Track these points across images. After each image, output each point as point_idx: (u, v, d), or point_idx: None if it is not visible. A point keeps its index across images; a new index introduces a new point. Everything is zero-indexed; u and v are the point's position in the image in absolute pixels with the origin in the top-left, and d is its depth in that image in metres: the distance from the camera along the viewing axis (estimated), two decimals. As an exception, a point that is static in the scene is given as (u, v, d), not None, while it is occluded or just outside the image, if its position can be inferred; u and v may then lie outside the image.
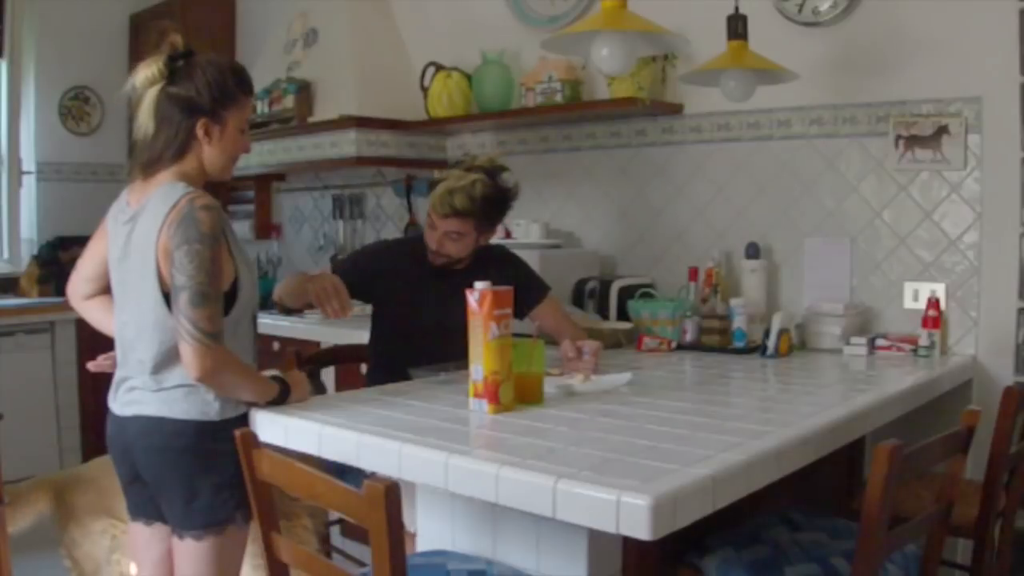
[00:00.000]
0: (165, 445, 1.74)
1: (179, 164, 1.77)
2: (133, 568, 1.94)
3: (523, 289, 2.22)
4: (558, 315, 2.48)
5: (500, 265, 2.48)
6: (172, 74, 1.76)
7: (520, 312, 2.29)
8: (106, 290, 1.95)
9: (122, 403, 1.81)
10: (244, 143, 1.85)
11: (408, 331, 2.40)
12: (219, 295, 1.69)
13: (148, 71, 1.76)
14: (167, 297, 1.70)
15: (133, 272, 1.75)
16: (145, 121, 1.78)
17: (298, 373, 1.94)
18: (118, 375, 1.85)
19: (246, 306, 1.81)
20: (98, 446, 2.47)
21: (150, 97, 1.77)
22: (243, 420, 1.79)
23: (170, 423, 1.74)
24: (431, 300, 2.38)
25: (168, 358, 1.73)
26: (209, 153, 1.79)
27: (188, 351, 1.65)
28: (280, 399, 1.81)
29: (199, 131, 1.76)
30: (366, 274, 2.42)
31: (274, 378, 1.84)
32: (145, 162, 1.78)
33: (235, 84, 1.80)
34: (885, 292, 2.69)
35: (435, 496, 1.76)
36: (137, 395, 1.78)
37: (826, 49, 2.74)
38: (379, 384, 2.13)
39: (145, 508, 1.87)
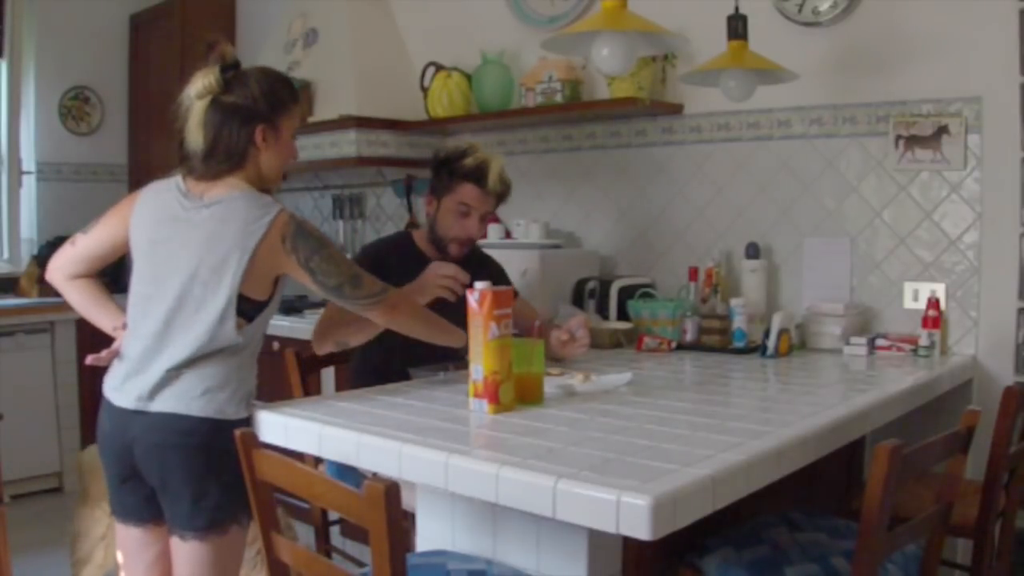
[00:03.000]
0: (177, 442, 1.73)
1: (242, 170, 1.81)
2: (120, 556, 1.92)
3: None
4: (524, 305, 2.49)
5: (481, 262, 2.50)
6: (226, 84, 1.80)
7: None
8: (95, 274, 1.94)
9: (128, 395, 1.77)
10: (294, 149, 1.92)
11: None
12: (360, 270, 1.87)
13: (205, 81, 1.79)
14: (240, 298, 1.73)
15: (200, 264, 1.73)
16: (196, 131, 1.80)
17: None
18: (125, 367, 1.80)
19: (275, 307, 1.85)
20: (98, 446, 2.49)
21: (201, 107, 1.79)
22: (249, 423, 1.79)
23: (185, 420, 1.73)
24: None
25: (203, 356, 1.73)
26: (266, 159, 1.84)
27: (374, 315, 1.90)
28: (463, 353, 1.94)
29: (258, 137, 1.81)
30: (377, 270, 2.37)
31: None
32: (204, 171, 1.80)
33: (286, 92, 1.88)
34: (885, 292, 2.69)
35: (435, 496, 1.77)
36: (150, 389, 1.74)
37: (826, 49, 2.74)
38: (366, 384, 2.13)
39: (137, 510, 1.84)
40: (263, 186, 1.86)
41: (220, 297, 1.72)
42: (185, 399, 1.74)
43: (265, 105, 1.81)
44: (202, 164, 1.80)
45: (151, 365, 1.76)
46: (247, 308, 1.76)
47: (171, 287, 1.76)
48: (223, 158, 1.79)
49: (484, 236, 2.44)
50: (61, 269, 1.93)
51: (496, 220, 3.54)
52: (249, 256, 1.72)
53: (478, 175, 2.31)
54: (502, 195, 2.39)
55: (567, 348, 2.19)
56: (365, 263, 2.33)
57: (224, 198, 1.76)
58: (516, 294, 2.54)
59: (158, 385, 1.75)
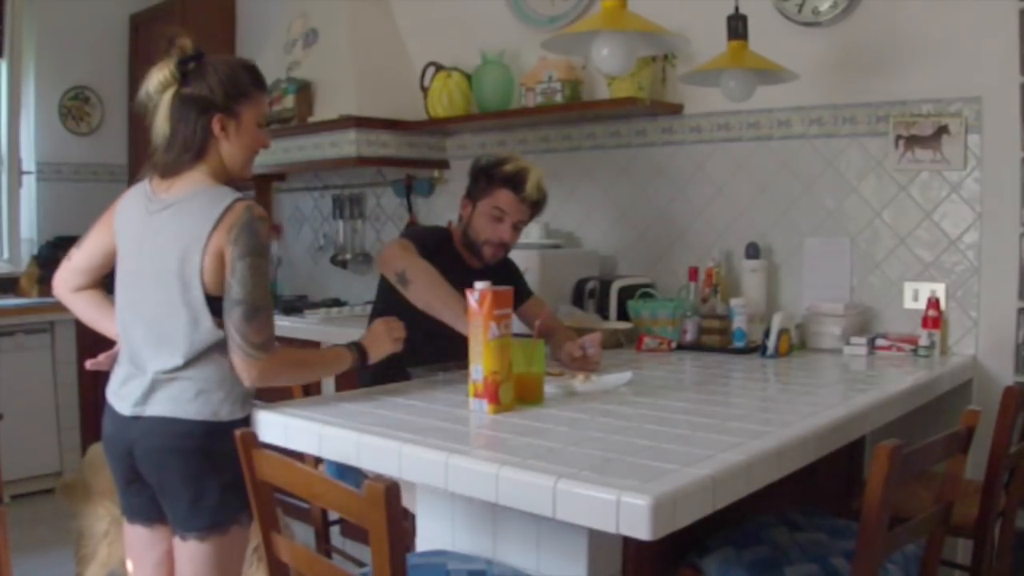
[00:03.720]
0: (173, 446, 1.73)
1: (202, 163, 1.79)
2: (130, 565, 1.93)
3: (518, 288, 2.22)
4: (549, 314, 2.49)
5: (504, 265, 2.52)
6: (184, 76, 1.78)
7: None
8: (96, 285, 1.95)
9: (125, 400, 1.79)
10: (262, 138, 1.88)
11: (431, 331, 2.29)
12: (269, 304, 1.74)
13: (160, 75, 1.77)
14: (207, 297, 1.71)
15: (166, 266, 1.73)
16: (161, 125, 1.79)
17: (376, 327, 1.95)
18: (122, 371, 1.82)
19: None
20: (98, 446, 2.50)
21: (165, 101, 1.78)
22: (247, 423, 1.79)
23: (180, 423, 1.73)
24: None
25: (192, 359, 1.73)
26: (228, 149, 1.81)
27: (238, 362, 1.72)
28: (360, 364, 1.88)
29: (215, 127, 1.78)
30: (430, 254, 2.31)
31: (351, 345, 1.90)
32: (165, 164, 1.79)
33: (248, 79, 1.83)
34: (885, 292, 2.69)
35: (435, 496, 1.77)
36: (144, 392, 1.75)
37: (826, 49, 2.74)
38: (367, 383, 2.13)
39: (144, 510, 1.85)
40: (230, 179, 1.83)
41: (189, 297, 1.71)
42: (179, 402, 1.74)
43: (222, 94, 1.77)
44: (163, 157, 1.79)
45: (143, 371, 1.77)
46: (221, 306, 1.73)
47: (149, 293, 1.77)
48: (181, 150, 1.77)
49: (513, 246, 2.45)
50: (64, 283, 1.96)
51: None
52: (202, 248, 1.69)
53: (515, 181, 2.33)
54: (537, 204, 2.39)
55: (576, 364, 2.21)
56: (424, 242, 2.32)
57: (185, 195, 1.75)
58: (531, 294, 2.58)
59: (151, 389, 1.75)
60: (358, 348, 1.91)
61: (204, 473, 1.74)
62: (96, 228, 1.92)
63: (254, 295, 1.70)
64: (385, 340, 1.95)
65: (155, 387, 1.75)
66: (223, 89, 1.78)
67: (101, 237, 1.90)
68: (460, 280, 2.28)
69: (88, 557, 2.53)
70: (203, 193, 1.74)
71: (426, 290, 2.15)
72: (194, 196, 1.74)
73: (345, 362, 1.88)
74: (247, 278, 1.69)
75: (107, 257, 1.89)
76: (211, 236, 1.69)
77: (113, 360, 1.89)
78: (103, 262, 1.90)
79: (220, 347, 1.75)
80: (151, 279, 1.76)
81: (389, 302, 2.30)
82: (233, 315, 1.70)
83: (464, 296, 2.06)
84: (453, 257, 2.40)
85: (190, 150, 1.77)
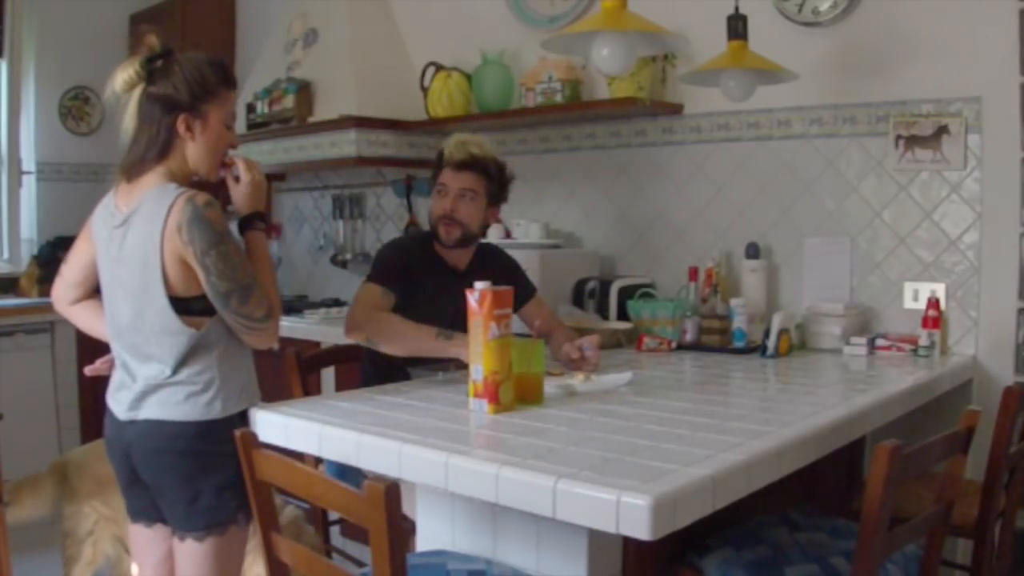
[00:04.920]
0: (165, 448, 1.74)
1: (164, 164, 1.75)
2: (135, 569, 1.95)
3: (518, 287, 2.21)
4: (549, 314, 2.50)
5: (499, 262, 2.52)
6: (151, 75, 1.74)
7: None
8: (92, 294, 1.94)
9: (120, 404, 1.81)
10: (229, 137, 1.83)
11: None
12: (253, 275, 1.73)
13: (125, 74, 1.74)
14: (174, 301, 1.70)
15: (131, 279, 1.73)
16: (128, 124, 1.77)
17: (240, 188, 1.86)
18: (116, 377, 1.85)
19: None
20: (98, 446, 2.50)
21: (133, 100, 1.76)
22: (243, 418, 1.80)
23: (170, 425, 1.74)
24: (450, 303, 2.28)
25: (181, 362, 1.73)
26: (193, 149, 1.77)
27: (254, 340, 1.78)
28: (264, 226, 1.88)
29: (180, 127, 1.74)
30: (404, 273, 2.31)
31: (251, 224, 1.86)
32: (129, 164, 1.76)
33: (215, 78, 1.77)
34: (885, 292, 2.69)
35: (435, 496, 1.77)
36: (135, 398, 1.77)
37: (826, 49, 2.74)
38: (368, 383, 2.13)
39: (145, 510, 1.86)
40: (193, 179, 1.80)
41: (156, 307, 1.71)
42: (168, 406, 1.74)
43: (188, 93, 1.73)
44: (127, 157, 1.77)
45: (133, 379, 1.78)
46: (197, 305, 1.73)
47: (121, 307, 1.77)
48: (145, 149, 1.75)
49: (472, 219, 2.35)
50: (60, 299, 1.96)
51: (497, 220, 3.53)
52: (159, 253, 1.68)
53: (443, 153, 2.36)
54: (472, 165, 2.31)
55: (574, 366, 2.21)
56: (391, 269, 2.30)
57: (136, 206, 1.73)
58: (533, 294, 2.56)
59: (142, 396, 1.76)
60: (259, 217, 1.87)
61: (198, 474, 1.75)
62: (79, 241, 1.91)
63: (236, 278, 1.69)
64: (259, 185, 1.88)
65: (146, 394, 1.76)
66: (189, 88, 1.74)
67: (84, 249, 1.89)
68: (445, 282, 2.30)
69: (73, 558, 2.54)
70: (149, 198, 1.72)
71: (396, 343, 2.17)
72: (142, 204, 1.72)
73: (264, 241, 1.87)
74: (222, 268, 1.67)
75: (93, 268, 1.88)
76: (163, 239, 1.67)
77: (111, 365, 1.90)
78: (92, 272, 1.89)
79: (204, 346, 1.75)
80: (121, 295, 1.77)
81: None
82: (230, 305, 1.70)
83: (427, 326, 2.12)
84: (433, 262, 2.38)
85: (153, 149, 1.75)
